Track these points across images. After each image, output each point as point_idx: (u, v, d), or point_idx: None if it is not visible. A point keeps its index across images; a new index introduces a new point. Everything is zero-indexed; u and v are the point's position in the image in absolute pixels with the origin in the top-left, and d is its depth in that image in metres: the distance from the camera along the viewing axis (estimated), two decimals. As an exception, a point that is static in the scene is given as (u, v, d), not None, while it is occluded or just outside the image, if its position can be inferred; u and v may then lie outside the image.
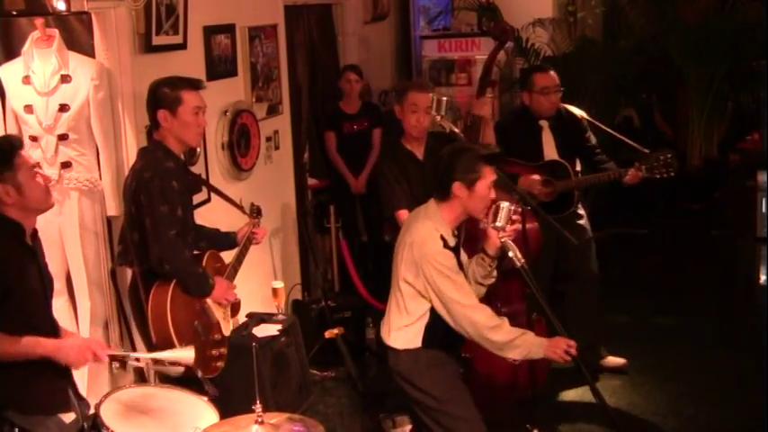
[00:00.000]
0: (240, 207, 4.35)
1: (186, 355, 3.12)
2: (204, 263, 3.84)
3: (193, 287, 3.71)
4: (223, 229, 4.23)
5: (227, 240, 4.15)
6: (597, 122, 5.26)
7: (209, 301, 3.80)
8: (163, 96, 3.71)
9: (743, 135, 8.39)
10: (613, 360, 5.33)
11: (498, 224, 3.47)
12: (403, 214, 4.16)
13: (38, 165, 3.12)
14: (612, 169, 5.01)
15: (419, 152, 4.42)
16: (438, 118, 4.40)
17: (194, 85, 3.81)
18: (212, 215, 4.55)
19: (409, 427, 4.45)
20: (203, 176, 4.79)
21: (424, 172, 4.31)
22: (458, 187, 3.45)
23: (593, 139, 5.21)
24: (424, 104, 4.33)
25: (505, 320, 3.45)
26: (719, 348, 5.57)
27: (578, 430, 4.69)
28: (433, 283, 3.41)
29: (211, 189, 4.53)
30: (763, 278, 7.28)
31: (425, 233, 3.46)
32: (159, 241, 3.62)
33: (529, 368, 4.09)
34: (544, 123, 5.08)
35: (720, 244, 7.80)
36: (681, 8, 8.53)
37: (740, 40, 8.00)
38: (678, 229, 8.08)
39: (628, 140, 5.02)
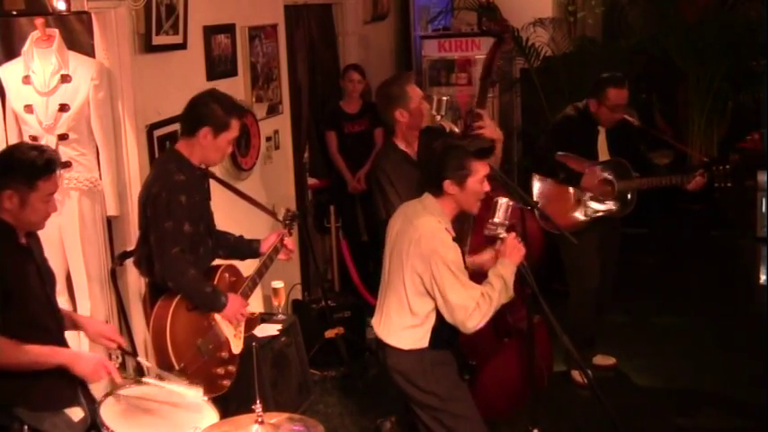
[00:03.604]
0: (272, 213, 4.26)
1: (192, 396, 3.08)
2: (217, 277, 3.75)
3: (201, 304, 3.64)
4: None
5: (249, 249, 4.02)
6: (650, 129, 5.38)
7: (217, 317, 3.70)
8: (213, 115, 3.61)
9: (743, 135, 8.39)
10: (603, 359, 5.34)
11: (496, 220, 3.50)
12: None
13: (55, 191, 3.10)
14: (676, 174, 5.12)
15: (412, 151, 4.39)
16: (438, 118, 4.39)
17: (243, 114, 3.80)
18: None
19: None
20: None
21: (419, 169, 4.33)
22: (449, 185, 3.48)
23: (643, 147, 5.30)
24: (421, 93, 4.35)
25: (483, 305, 3.43)
26: (719, 348, 5.58)
27: (578, 430, 4.70)
28: (438, 277, 3.40)
29: (240, 194, 4.37)
30: (763, 278, 7.28)
31: (432, 227, 3.47)
32: (162, 259, 3.55)
33: (529, 369, 4.09)
34: (602, 128, 5.11)
35: (720, 244, 7.80)
36: (681, 8, 8.52)
37: (740, 40, 7.99)
38: (678, 229, 8.08)
39: (685, 148, 5.15)
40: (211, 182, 4.32)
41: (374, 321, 3.70)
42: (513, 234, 3.51)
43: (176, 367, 3.47)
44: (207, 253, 3.80)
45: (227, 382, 3.69)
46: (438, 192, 3.52)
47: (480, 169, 3.49)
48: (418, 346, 3.52)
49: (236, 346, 3.77)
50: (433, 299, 3.46)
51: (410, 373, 3.55)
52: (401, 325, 3.55)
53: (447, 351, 3.61)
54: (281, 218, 4.21)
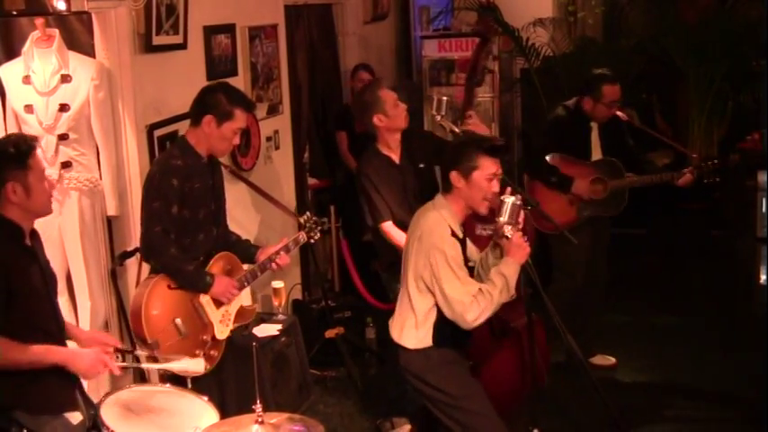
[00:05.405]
0: (293, 214, 4.34)
1: (194, 366, 3.15)
2: (211, 263, 3.81)
3: (186, 283, 3.70)
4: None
5: (245, 253, 4.04)
6: (639, 125, 5.42)
7: (203, 300, 3.75)
8: (217, 104, 3.70)
9: (743, 135, 8.38)
10: (603, 359, 5.34)
11: (502, 219, 3.52)
12: (387, 226, 4.21)
13: (44, 167, 3.10)
14: (666, 172, 5.16)
15: (396, 156, 4.40)
16: (438, 118, 4.40)
17: (249, 106, 3.85)
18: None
19: (408, 427, 4.46)
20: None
21: (405, 175, 4.35)
22: (455, 177, 3.52)
23: (631, 141, 5.31)
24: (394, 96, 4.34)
25: (482, 300, 3.43)
26: (719, 348, 5.57)
27: (579, 430, 4.70)
28: (436, 271, 3.43)
29: (262, 194, 4.46)
30: (763, 278, 7.27)
31: (433, 222, 3.51)
32: (145, 236, 3.67)
33: (530, 368, 4.09)
34: (594, 124, 5.14)
35: (720, 244, 7.80)
36: (681, 8, 8.51)
37: (740, 40, 7.97)
38: (678, 229, 8.08)
39: (674, 144, 5.18)
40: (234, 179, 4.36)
41: (389, 321, 3.73)
42: (520, 233, 3.53)
43: (148, 340, 3.54)
44: (208, 240, 3.84)
45: (206, 366, 3.68)
46: (447, 187, 3.56)
47: (488, 165, 3.51)
48: (422, 345, 3.56)
49: (221, 332, 3.81)
50: (434, 295, 3.49)
51: (420, 373, 3.59)
52: (405, 324, 3.59)
53: (454, 350, 3.63)
54: (302, 220, 4.23)
